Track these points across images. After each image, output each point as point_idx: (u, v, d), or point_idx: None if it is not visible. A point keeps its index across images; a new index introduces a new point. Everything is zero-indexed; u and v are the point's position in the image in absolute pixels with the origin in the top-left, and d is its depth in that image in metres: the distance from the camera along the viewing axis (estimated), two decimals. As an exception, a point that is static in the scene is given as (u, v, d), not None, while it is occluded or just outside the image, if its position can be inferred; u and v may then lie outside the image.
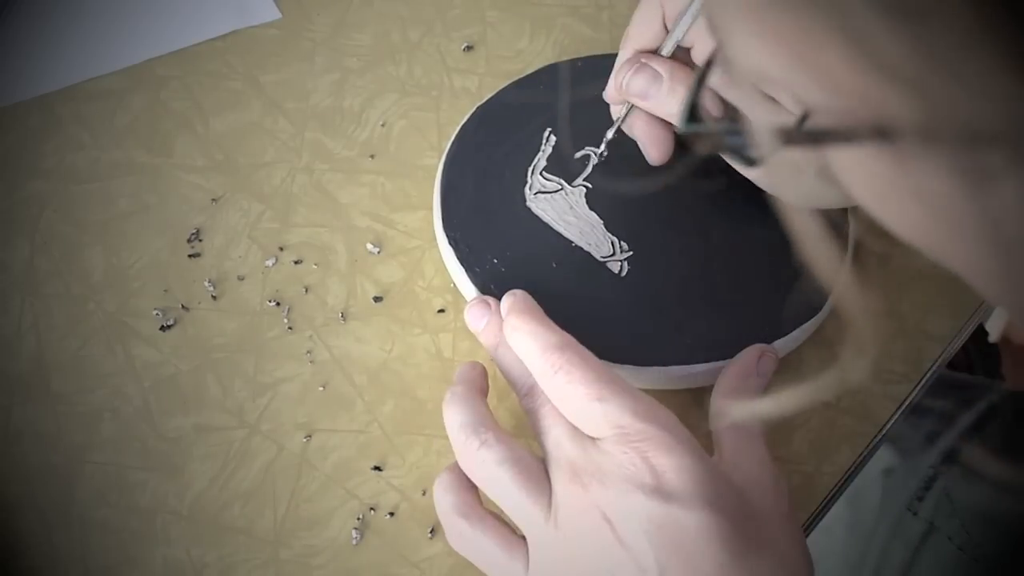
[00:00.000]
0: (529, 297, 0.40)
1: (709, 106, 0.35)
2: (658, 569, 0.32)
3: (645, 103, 0.43)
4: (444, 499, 0.37)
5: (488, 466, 0.36)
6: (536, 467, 0.36)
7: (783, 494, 0.36)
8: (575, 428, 0.36)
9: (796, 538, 0.35)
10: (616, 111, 0.45)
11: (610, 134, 0.46)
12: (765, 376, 0.40)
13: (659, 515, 0.32)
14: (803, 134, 0.21)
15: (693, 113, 0.27)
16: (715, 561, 0.32)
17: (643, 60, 0.42)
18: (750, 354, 0.41)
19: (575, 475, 0.34)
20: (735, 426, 0.38)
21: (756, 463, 0.37)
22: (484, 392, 0.40)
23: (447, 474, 0.38)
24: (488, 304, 0.41)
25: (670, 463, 0.33)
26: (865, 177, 0.22)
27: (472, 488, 0.37)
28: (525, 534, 0.36)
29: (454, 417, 0.37)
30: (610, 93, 0.45)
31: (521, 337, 0.38)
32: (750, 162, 0.31)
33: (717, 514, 0.32)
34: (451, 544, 0.37)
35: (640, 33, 0.43)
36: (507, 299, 0.40)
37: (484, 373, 0.40)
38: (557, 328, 0.38)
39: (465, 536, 0.36)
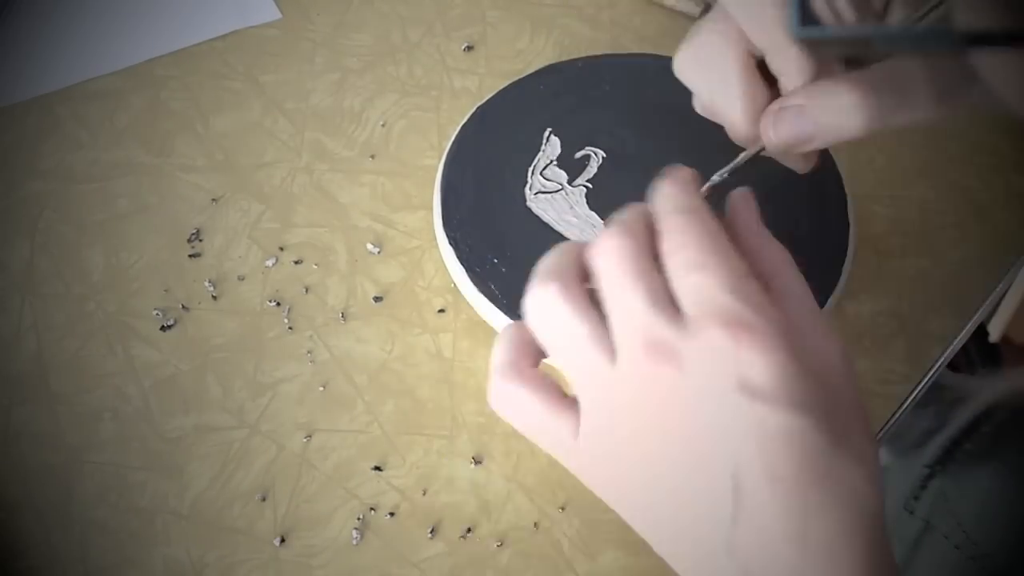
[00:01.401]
0: (690, 180, 0.36)
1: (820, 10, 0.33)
2: (734, 464, 0.30)
3: (802, 148, 0.38)
4: (499, 347, 0.33)
5: (555, 311, 0.32)
6: (602, 324, 0.32)
7: (852, 374, 0.33)
8: (657, 298, 0.31)
9: (865, 426, 0.32)
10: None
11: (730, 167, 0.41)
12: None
13: (743, 411, 0.30)
14: (971, 35, 0.21)
15: (805, 17, 0.26)
16: (794, 464, 0.30)
17: (776, 108, 0.37)
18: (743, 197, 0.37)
19: (649, 349, 0.31)
20: (787, 294, 0.34)
21: (824, 336, 0.33)
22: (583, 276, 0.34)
23: (511, 329, 0.34)
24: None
25: (762, 358, 0.30)
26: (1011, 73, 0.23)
27: (532, 350, 0.34)
28: (580, 391, 0.32)
29: (545, 260, 0.33)
30: (742, 135, 0.39)
31: (658, 198, 0.34)
32: (862, 63, 0.30)
33: (803, 416, 0.30)
34: (493, 405, 0.33)
35: (750, 91, 0.37)
36: (675, 171, 0.36)
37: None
38: (692, 194, 0.34)
39: (512, 393, 0.33)
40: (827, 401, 0.31)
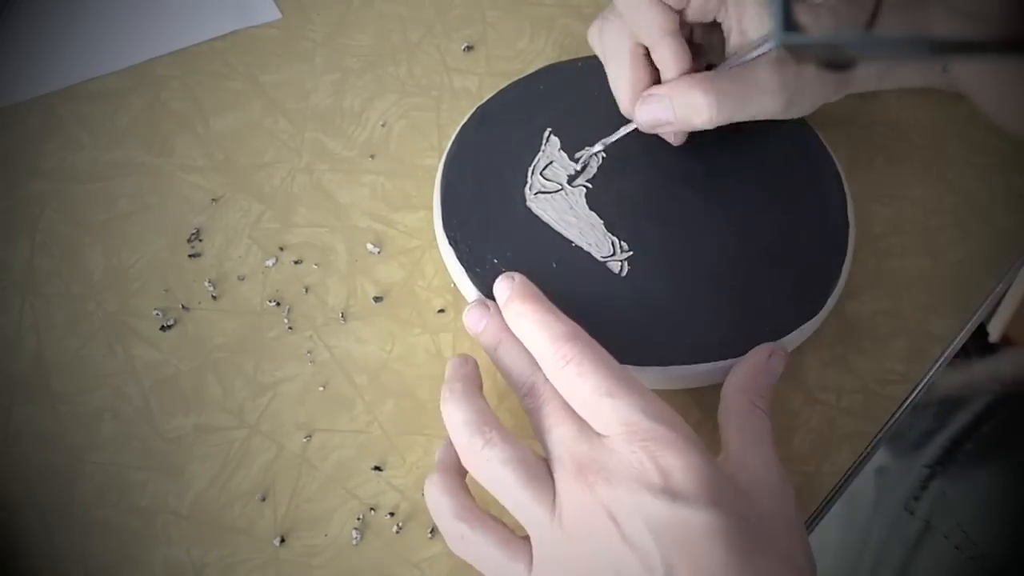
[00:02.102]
0: (529, 282, 0.40)
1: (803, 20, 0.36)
2: (664, 568, 0.32)
3: (664, 130, 0.45)
4: (440, 503, 0.37)
5: (493, 465, 0.35)
6: (540, 466, 0.36)
7: (789, 496, 0.36)
8: (580, 426, 0.36)
9: (800, 540, 0.35)
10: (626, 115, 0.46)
11: (610, 140, 0.46)
12: (774, 375, 0.40)
13: (666, 514, 0.33)
14: (945, 44, 0.24)
15: (788, 23, 0.29)
16: (720, 561, 0.32)
17: (646, 94, 0.44)
18: (760, 352, 0.41)
19: (580, 473, 0.34)
20: (743, 427, 0.38)
21: (762, 464, 0.37)
22: (481, 387, 0.40)
23: (439, 477, 0.37)
24: (487, 306, 0.41)
25: (677, 463, 0.33)
26: (989, 84, 0.26)
27: (466, 489, 0.37)
28: (529, 533, 0.35)
29: (455, 415, 0.37)
30: (625, 110, 0.46)
31: (528, 325, 0.38)
32: (842, 67, 0.36)
33: (723, 514, 0.33)
34: (451, 547, 0.37)
35: (632, 76, 0.45)
36: (504, 282, 0.40)
37: (476, 366, 0.40)
38: (565, 317, 0.38)
39: (465, 539, 0.36)
40: (754, 511, 0.34)
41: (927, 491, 0.59)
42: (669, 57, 0.43)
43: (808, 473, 0.42)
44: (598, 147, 0.46)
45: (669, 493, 0.33)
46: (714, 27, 0.45)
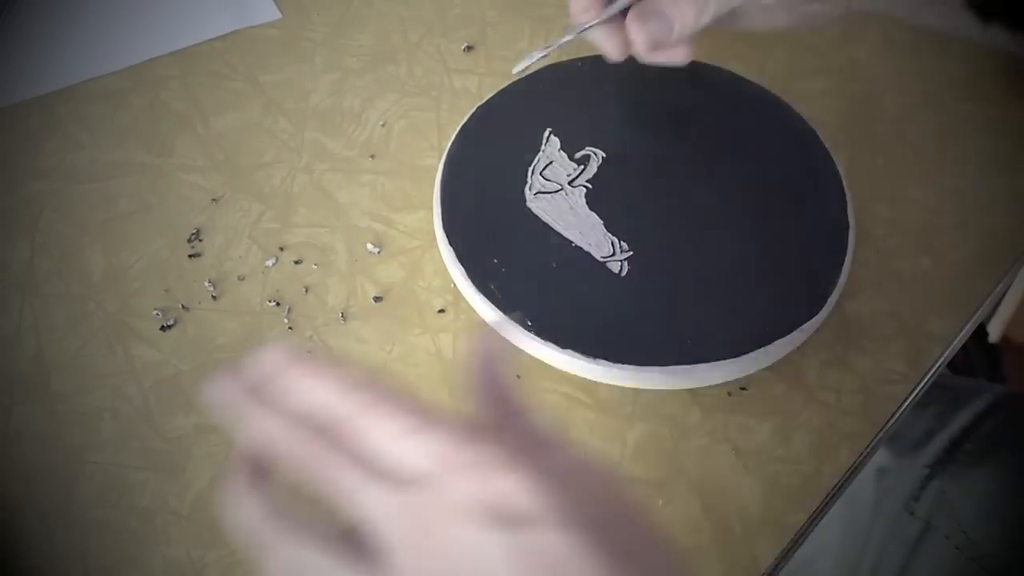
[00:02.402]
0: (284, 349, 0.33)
1: None
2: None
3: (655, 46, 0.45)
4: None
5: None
6: (354, 551, 0.30)
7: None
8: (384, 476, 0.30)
9: (659, 538, 0.31)
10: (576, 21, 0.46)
11: (555, 44, 0.46)
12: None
13: (514, 544, 0.28)
14: None
15: None
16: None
17: (649, 8, 0.44)
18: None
19: (412, 529, 0.29)
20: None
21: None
22: (267, 470, 0.32)
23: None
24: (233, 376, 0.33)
25: (513, 486, 0.29)
26: None
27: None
28: None
29: (241, 523, 0.31)
30: (576, 13, 0.46)
31: (311, 386, 0.32)
32: None
33: (575, 530, 0.29)
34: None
35: None
36: (264, 356, 0.32)
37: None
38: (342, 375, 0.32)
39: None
40: (603, 515, 0.30)
41: (927, 491, 0.59)
42: None
43: (808, 473, 0.42)
44: (537, 53, 0.46)
45: (510, 521, 0.28)
46: None
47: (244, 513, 0.31)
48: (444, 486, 0.29)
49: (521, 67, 0.46)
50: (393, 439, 0.30)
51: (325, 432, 0.31)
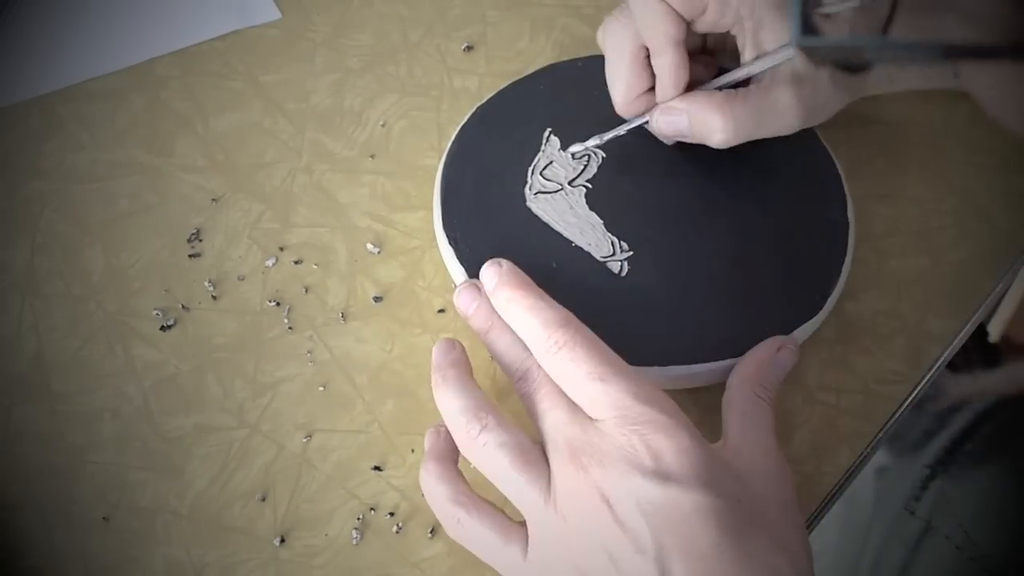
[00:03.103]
0: (516, 268, 0.40)
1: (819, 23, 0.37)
2: (655, 549, 0.33)
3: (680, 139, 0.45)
4: (437, 490, 0.37)
5: (489, 450, 0.36)
6: (535, 451, 0.36)
7: (786, 482, 0.37)
8: (573, 410, 0.36)
9: (796, 524, 0.36)
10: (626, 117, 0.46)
11: (608, 136, 0.46)
12: (783, 368, 0.41)
13: (656, 496, 0.33)
14: (956, 48, 0.25)
15: (807, 27, 0.30)
16: (711, 541, 0.32)
17: (665, 105, 0.44)
18: (769, 345, 0.41)
19: (573, 456, 0.35)
20: (744, 415, 0.38)
21: (761, 452, 0.37)
22: (471, 371, 0.40)
23: (434, 464, 0.38)
24: (478, 288, 0.41)
25: (668, 445, 0.34)
26: (996, 87, 0.27)
27: (461, 476, 0.38)
28: (525, 517, 0.36)
29: (452, 401, 0.38)
30: (636, 110, 0.46)
31: (519, 311, 0.38)
32: (857, 70, 0.38)
33: (713, 495, 0.33)
34: (448, 532, 0.37)
35: (631, 79, 0.45)
36: (491, 268, 0.40)
37: (464, 351, 0.40)
38: (555, 302, 0.38)
39: (462, 523, 0.37)
40: (748, 494, 0.35)
41: (928, 491, 0.59)
42: (668, 70, 0.43)
43: (808, 473, 0.42)
44: (592, 141, 0.46)
45: (660, 475, 0.33)
46: (727, 35, 0.45)
47: (448, 403, 0.38)
48: (614, 431, 0.34)
49: (579, 149, 0.47)
50: (579, 383, 0.36)
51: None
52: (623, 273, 0.44)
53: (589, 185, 0.47)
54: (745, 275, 0.45)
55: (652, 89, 0.45)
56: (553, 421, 0.36)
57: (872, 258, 0.48)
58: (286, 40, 0.54)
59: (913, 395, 0.45)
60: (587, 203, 0.46)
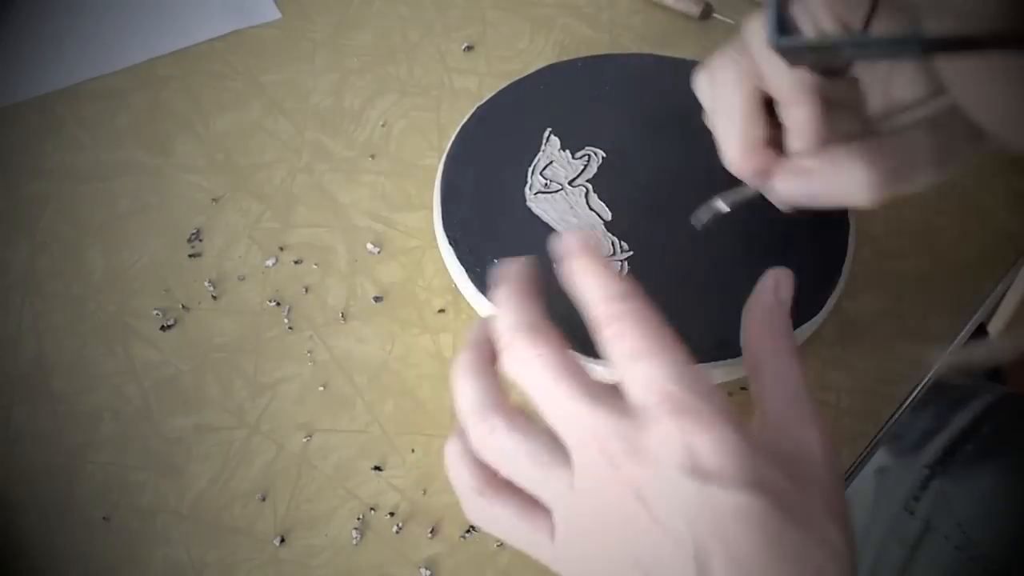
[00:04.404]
0: (594, 245, 0.36)
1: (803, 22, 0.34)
2: (695, 548, 0.31)
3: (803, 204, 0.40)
4: (460, 474, 0.35)
5: (501, 451, 0.34)
6: (550, 441, 0.34)
7: (829, 459, 0.34)
8: (596, 396, 0.33)
9: (838, 514, 0.33)
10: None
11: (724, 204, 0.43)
12: (786, 302, 0.37)
13: (696, 495, 0.31)
14: (937, 42, 0.23)
15: (783, 27, 0.27)
16: (754, 542, 0.31)
17: (790, 165, 0.38)
18: (766, 286, 0.37)
19: (603, 450, 0.32)
20: (775, 380, 0.35)
21: (803, 422, 0.34)
22: (494, 357, 0.36)
23: (456, 446, 0.35)
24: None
25: (710, 440, 0.31)
26: (975, 82, 0.24)
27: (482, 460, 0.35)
28: (550, 507, 0.34)
29: (463, 395, 0.35)
30: (733, 167, 0.41)
31: (586, 279, 0.35)
32: (835, 73, 0.33)
33: (757, 494, 0.31)
34: (469, 518, 0.35)
35: (753, 128, 0.39)
36: (573, 237, 0.36)
37: (527, 272, 0.37)
38: (621, 277, 0.35)
39: (485, 511, 0.35)
40: (791, 483, 0.32)
41: (927, 491, 0.59)
42: (806, 121, 0.37)
43: (808, 473, 0.42)
44: (720, 204, 0.43)
45: (700, 473, 0.31)
46: (849, 82, 0.38)
47: (461, 394, 0.34)
48: (651, 423, 0.31)
49: (706, 218, 0.43)
50: (619, 360, 0.33)
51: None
52: (623, 273, 0.44)
53: (589, 185, 0.47)
54: (745, 275, 0.44)
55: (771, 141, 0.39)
56: (569, 414, 0.33)
57: (872, 258, 0.48)
58: (286, 40, 0.54)
59: (913, 395, 0.45)
60: (587, 203, 0.46)
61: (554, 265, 0.44)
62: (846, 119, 0.38)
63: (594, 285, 0.35)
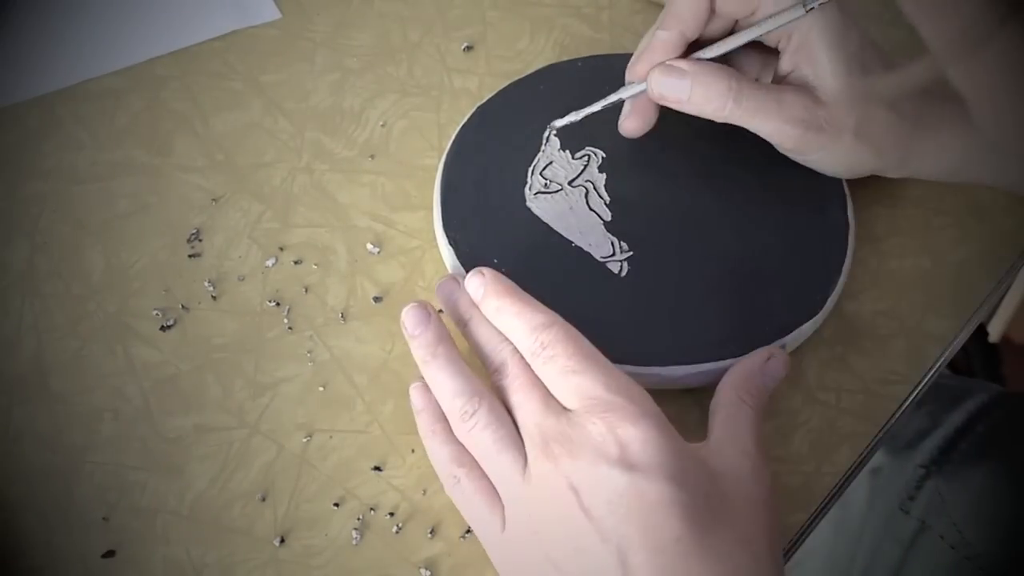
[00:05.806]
0: (500, 275, 0.41)
1: None
2: (617, 539, 0.33)
3: (671, 105, 0.43)
4: (440, 450, 0.39)
5: (475, 431, 0.37)
6: (518, 435, 0.37)
7: (761, 483, 0.37)
8: (547, 401, 0.37)
9: (766, 525, 0.36)
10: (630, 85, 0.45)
11: (597, 107, 0.45)
12: (772, 378, 0.41)
13: (622, 485, 0.33)
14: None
15: None
16: (672, 533, 0.33)
17: (668, 63, 0.42)
18: (758, 355, 0.41)
19: (545, 446, 0.36)
20: (727, 418, 0.39)
21: (738, 452, 0.37)
22: (455, 344, 0.41)
23: (440, 426, 0.39)
24: (457, 281, 0.42)
25: (636, 434, 0.34)
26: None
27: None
28: (501, 495, 0.37)
29: (445, 383, 0.39)
30: (638, 73, 0.44)
31: (508, 319, 0.39)
32: None
33: (678, 487, 0.33)
34: (446, 490, 0.39)
35: (684, 14, 0.42)
36: (475, 279, 0.40)
37: (440, 320, 0.41)
38: (541, 305, 0.39)
39: (458, 486, 0.38)
40: (714, 487, 0.35)
41: (922, 491, 0.59)
42: (689, 8, 0.42)
43: (808, 473, 0.42)
44: (573, 116, 0.46)
45: (625, 464, 0.34)
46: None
47: (442, 384, 0.39)
48: (584, 420, 0.35)
49: (565, 122, 0.46)
50: (555, 377, 0.37)
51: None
52: (623, 273, 0.44)
53: (589, 185, 0.47)
54: (745, 275, 0.45)
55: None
56: (527, 411, 0.37)
57: (872, 258, 0.48)
58: (286, 40, 0.54)
59: (913, 395, 0.45)
60: (587, 203, 0.46)
61: (553, 265, 0.44)
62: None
63: (517, 323, 0.39)
